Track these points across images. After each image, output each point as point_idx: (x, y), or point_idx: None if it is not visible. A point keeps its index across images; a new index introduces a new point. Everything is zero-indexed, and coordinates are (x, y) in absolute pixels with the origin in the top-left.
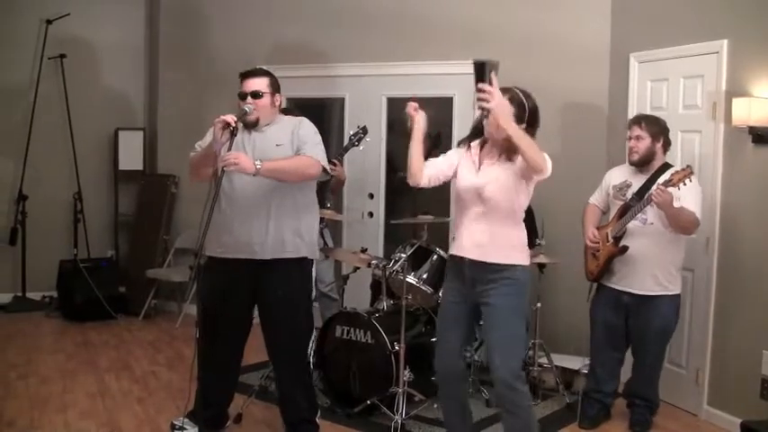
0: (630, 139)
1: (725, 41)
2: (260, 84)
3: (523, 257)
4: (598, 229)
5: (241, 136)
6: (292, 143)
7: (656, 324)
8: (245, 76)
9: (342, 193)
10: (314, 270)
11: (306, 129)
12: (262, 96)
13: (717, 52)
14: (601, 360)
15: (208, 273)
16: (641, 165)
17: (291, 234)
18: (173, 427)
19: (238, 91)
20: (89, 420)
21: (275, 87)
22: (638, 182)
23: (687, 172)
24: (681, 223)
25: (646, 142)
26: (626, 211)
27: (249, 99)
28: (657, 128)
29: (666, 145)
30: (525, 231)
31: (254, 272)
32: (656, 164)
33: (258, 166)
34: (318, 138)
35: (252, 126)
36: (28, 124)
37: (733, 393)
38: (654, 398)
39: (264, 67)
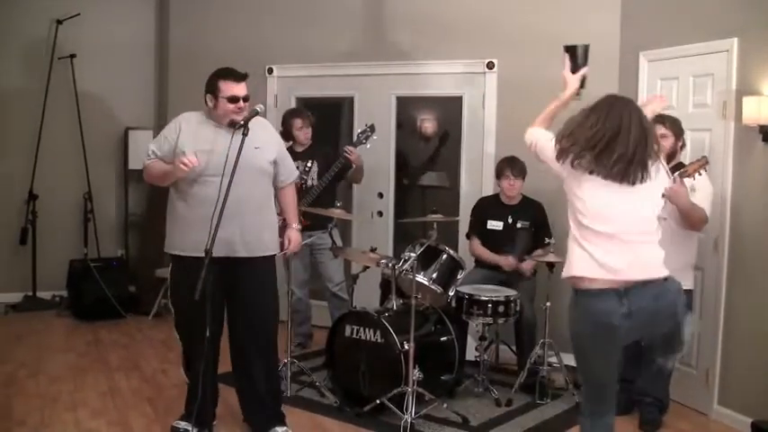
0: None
1: (735, 40)
2: (246, 87)
3: (567, 269)
4: None
5: (216, 137)
6: (270, 149)
7: None
8: (237, 78)
9: (351, 192)
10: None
11: (280, 138)
12: (248, 99)
13: (727, 51)
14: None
15: (181, 273)
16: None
17: (269, 231)
18: (174, 430)
19: (227, 93)
20: (99, 419)
21: None
22: None
23: (702, 162)
24: (691, 218)
25: (670, 141)
26: None
27: (241, 102)
28: (678, 127)
29: (683, 145)
30: (577, 245)
31: (229, 269)
32: (673, 162)
33: (297, 227)
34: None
35: (240, 128)
36: (38, 124)
37: (743, 393)
38: (664, 396)
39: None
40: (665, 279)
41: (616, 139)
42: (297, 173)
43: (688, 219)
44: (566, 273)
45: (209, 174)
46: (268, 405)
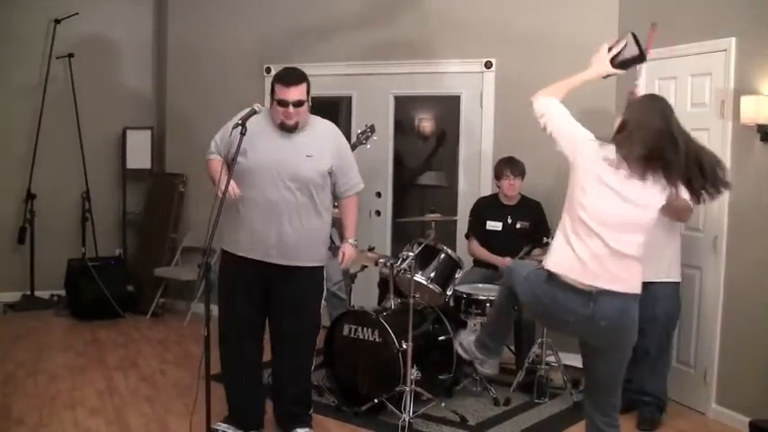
0: None
1: (733, 39)
2: (301, 92)
3: (547, 260)
4: None
5: (268, 138)
6: (326, 158)
7: (657, 311)
8: (288, 83)
9: None
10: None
11: (347, 148)
12: (303, 104)
13: (725, 50)
14: None
15: (224, 270)
16: None
17: (311, 242)
18: None
19: (277, 96)
20: (97, 418)
21: (309, 90)
22: None
23: None
24: (675, 207)
25: None
26: None
27: (291, 108)
28: None
29: None
30: (564, 237)
31: (267, 274)
32: None
33: (353, 242)
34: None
35: (291, 131)
36: (36, 123)
37: (741, 392)
38: (662, 394)
39: (299, 67)
40: (635, 297)
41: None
42: (361, 185)
43: (672, 209)
44: (545, 263)
45: (262, 177)
46: (292, 407)
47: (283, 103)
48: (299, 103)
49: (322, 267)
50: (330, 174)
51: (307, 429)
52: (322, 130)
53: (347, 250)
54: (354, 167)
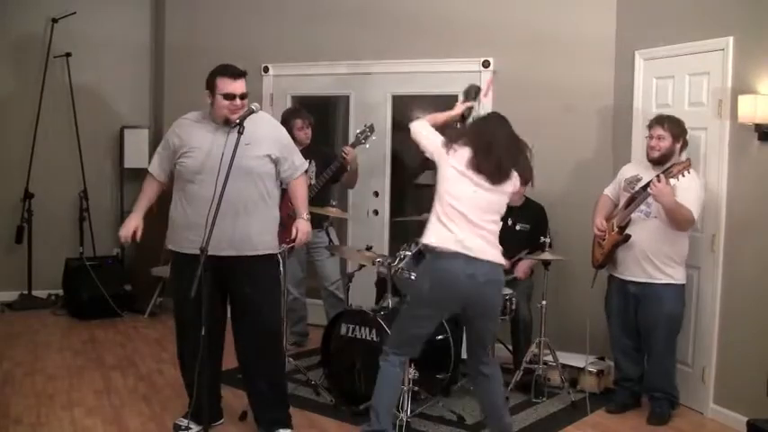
0: (652, 138)
1: (731, 38)
2: (245, 84)
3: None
4: (606, 219)
5: (213, 137)
6: (264, 145)
7: (661, 312)
8: (233, 76)
9: (347, 191)
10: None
11: (285, 133)
12: (246, 97)
13: (722, 49)
14: (621, 349)
15: (175, 268)
16: (660, 163)
17: (261, 230)
18: (176, 428)
19: (222, 90)
20: (95, 417)
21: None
22: (648, 176)
23: (686, 164)
24: (675, 217)
25: (667, 142)
26: (632, 202)
27: (238, 101)
28: (679, 129)
29: (684, 145)
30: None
31: (221, 268)
32: (671, 162)
33: (306, 218)
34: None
35: (230, 126)
36: (34, 122)
37: (739, 391)
38: (672, 389)
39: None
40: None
41: (491, 147)
42: (304, 167)
43: (672, 218)
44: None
45: (205, 173)
46: (270, 406)
47: (230, 97)
48: (244, 96)
49: (275, 255)
50: (274, 162)
51: (289, 431)
52: (256, 121)
53: (301, 225)
54: (296, 151)
